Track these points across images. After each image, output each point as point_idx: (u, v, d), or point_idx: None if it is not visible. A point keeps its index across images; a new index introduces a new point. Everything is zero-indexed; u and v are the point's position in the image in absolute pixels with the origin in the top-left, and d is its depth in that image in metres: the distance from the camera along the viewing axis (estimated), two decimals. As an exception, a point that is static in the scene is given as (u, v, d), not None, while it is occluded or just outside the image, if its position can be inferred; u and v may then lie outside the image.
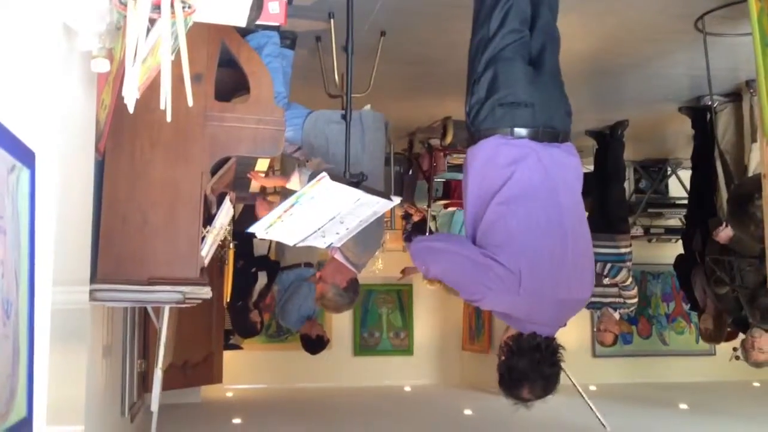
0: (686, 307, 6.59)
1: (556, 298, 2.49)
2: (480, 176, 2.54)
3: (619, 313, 5.86)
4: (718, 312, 5.11)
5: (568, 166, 2.57)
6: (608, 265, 5.67)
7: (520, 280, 2.41)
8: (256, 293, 5.71)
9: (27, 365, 1.39)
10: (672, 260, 5.81)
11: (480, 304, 2.68)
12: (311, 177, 2.63)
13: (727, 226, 4.36)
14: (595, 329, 6.47)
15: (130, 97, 1.61)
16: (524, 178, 2.45)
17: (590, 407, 5.10)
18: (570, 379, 4.50)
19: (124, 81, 1.60)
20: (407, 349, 8.33)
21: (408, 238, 6.20)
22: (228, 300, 5.25)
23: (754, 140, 4.59)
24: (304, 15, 3.65)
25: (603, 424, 4.96)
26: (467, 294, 2.62)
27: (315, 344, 5.55)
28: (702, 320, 5.31)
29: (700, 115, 5.26)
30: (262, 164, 3.40)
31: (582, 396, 5.07)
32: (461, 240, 2.68)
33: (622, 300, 5.75)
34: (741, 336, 4.97)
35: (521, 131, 2.49)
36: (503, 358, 2.51)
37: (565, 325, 2.59)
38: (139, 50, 1.57)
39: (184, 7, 1.59)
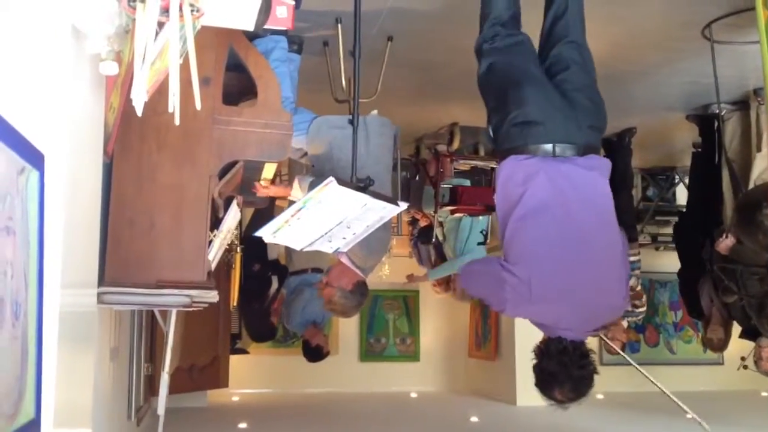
0: (694, 319, 6.54)
1: (576, 304, 2.61)
2: (502, 195, 2.69)
3: (627, 321, 5.83)
4: (725, 320, 5.09)
5: (584, 180, 2.64)
6: (617, 273, 5.66)
7: (530, 288, 2.54)
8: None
9: (35, 367, 1.39)
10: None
11: (506, 313, 2.95)
12: (312, 184, 2.64)
13: (728, 236, 4.34)
14: (602, 337, 6.45)
15: (139, 100, 1.62)
16: (535, 195, 2.57)
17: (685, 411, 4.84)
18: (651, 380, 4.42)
19: (133, 84, 1.61)
20: (413, 356, 8.32)
21: (415, 243, 6.20)
22: (235, 304, 5.25)
23: (759, 149, 4.58)
24: (311, 20, 3.67)
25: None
26: (493, 305, 2.87)
27: (313, 353, 5.61)
28: (710, 330, 5.27)
29: (707, 123, 5.25)
30: (269, 169, 3.40)
31: (675, 401, 4.80)
32: (489, 259, 2.95)
33: (630, 308, 5.73)
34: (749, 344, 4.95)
35: (534, 148, 2.60)
36: (535, 360, 2.68)
37: (597, 330, 2.70)
38: (148, 53, 1.58)
39: (192, 11, 1.60)
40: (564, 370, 2.62)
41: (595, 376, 2.71)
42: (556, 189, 2.59)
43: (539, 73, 2.74)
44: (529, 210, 2.57)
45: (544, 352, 2.66)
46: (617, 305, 2.80)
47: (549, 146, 2.60)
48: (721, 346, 5.27)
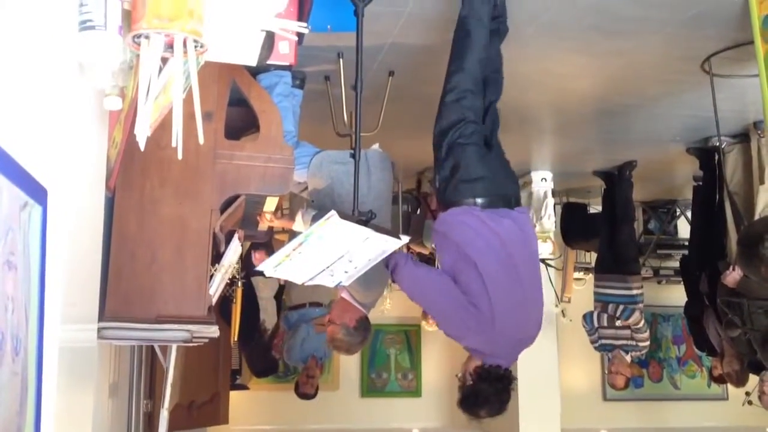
0: (702, 353, 6.49)
1: (516, 337, 3.03)
2: (446, 238, 3.01)
3: (631, 356, 5.79)
4: (739, 352, 5.03)
5: (519, 226, 3.01)
6: (621, 307, 5.63)
7: (494, 323, 2.90)
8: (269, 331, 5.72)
9: (35, 403, 1.38)
10: (683, 302, 5.75)
11: (460, 341, 3.12)
12: (315, 217, 2.64)
13: (735, 269, 4.33)
14: (606, 372, 6.40)
15: (142, 134, 1.62)
16: (482, 240, 2.93)
17: None
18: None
19: (137, 118, 1.62)
20: (415, 391, 8.23)
21: None
22: (236, 339, 5.23)
23: (762, 182, 4.58)
24: (313, 55, 3.69)
25: None
26: (453, 331, 3.10)
27: (297, 386, 5.73)
28: (726, 363, 5.19)
29: (708, 155, 5.26)
30: (270, 203, 3.40)
31: None
32: (449, 284, 3.01)
33: (634, 342, 5.69)
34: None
35: (479, 200, 2.95)
36: (471, 383, 3.01)
37: (516, 359, 3.11)
38: (152, 89, 1.59)
39: (196, 47, 1.61)
40: (496, 395, 2.99)
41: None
42: (498, 235, 2.93)
43: (482, 138, 3.09)
44: (478, 254, 2.91)
45: (483, 377, 2.98)
46: (536, 336, 3.12)
47: (491, 198, 2.97)
48: (739, 378, 5.19)
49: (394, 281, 3.15)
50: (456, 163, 2.98)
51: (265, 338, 5.61)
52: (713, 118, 4.17)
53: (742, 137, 4.91)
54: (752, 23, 3.11)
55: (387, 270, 3.07)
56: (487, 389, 2.98)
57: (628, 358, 5.70)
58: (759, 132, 4.69)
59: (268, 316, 5.66)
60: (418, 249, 6.20)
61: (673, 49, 3.75)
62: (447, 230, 3.00)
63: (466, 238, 2.93)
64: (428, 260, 5.95)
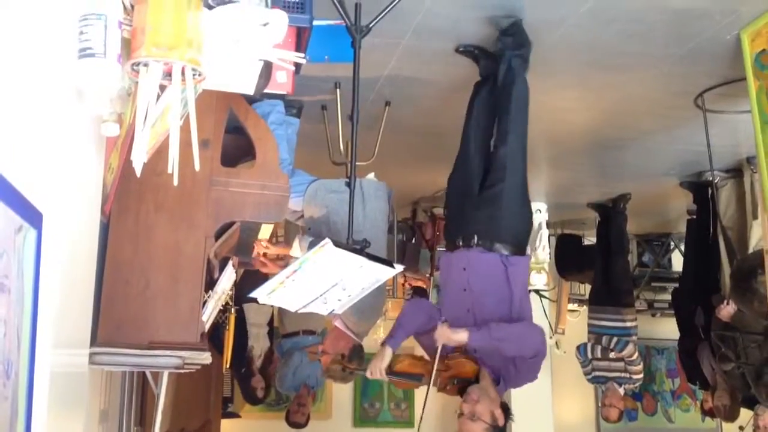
0: (695, 386, 6.46)
1: None
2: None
3: (624, 389, 5.77)
4: (732, 387, 5.02)
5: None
6: (614, 339, 5.62)
7: None
8: (260, 358, 5.68)
9: (24, 429, 1.37)
10: (677, 335, 5.75)
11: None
12: (311, 244, 2.64)
13: (729, 303, 4.34)
14: (599, 404, 6.36)
15: (139, 160, 1.64)
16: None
17: None
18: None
19: (134, 145, 1.63)
20: (408, 421, 8.16)
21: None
22: (228, 366, 5.21)
23: (755, 217, 4.61)
24: (311, 84, 3.72)
25: None
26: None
27: (288, 415, 5.72)
28: (717, 397, 5.18)
29: (701, 190, 5.29)
30: (265, 230, 3.41)
31: None
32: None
33: (627, 375, 5.67)
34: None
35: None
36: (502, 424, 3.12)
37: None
38: (149, 115, 1.60)
39: (194, 75, 1.63)
40: None
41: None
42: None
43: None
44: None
45: (508, 413, 3.15)
46: None
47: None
48: (729, 413, 5.17)
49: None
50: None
51: (252, 367, 5.57)
52: (706, 153, 4.21)
53: (736, 172, 4.95)
54: (744, 60, 3.16)
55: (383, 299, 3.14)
56: None
57: (621, 390, 5.68)
58: (752, 167, 4.72)
59: (257, 343, 5.63)
60: (413, 278, 6.20)
61: (667, 85, 3.79)
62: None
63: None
64: (423, 291, 5.95)
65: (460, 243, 3.22)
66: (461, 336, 3.02)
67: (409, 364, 3.31)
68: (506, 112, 3.22)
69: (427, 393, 3.18)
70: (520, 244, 3.27)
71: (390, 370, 3.25)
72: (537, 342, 3.10)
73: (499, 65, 3.23)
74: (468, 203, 3.29)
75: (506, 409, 3.12)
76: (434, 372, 3.13)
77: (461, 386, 3.17)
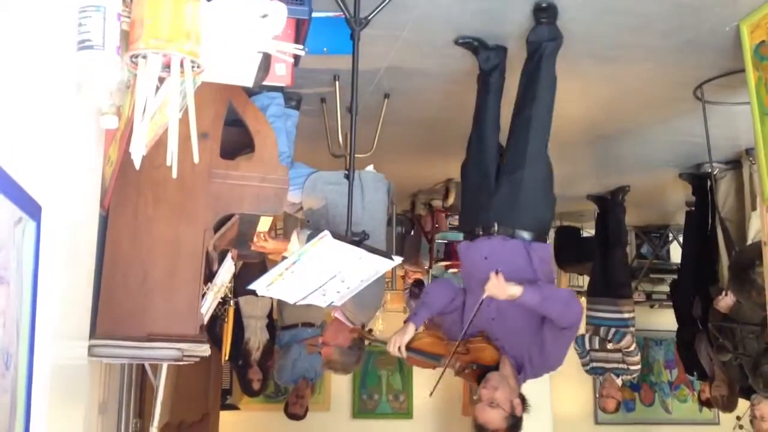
0: (692, 377, 6.48)
1: None
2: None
3: (622, 380, 5.79)
4: (729, 378, 5.04)
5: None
6: (612, 330, 5.63)
7: None
8: (258, 351, 5.68)
9: (24, 420, 1.37)
10: (675, 326, 5.76)
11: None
12: (310, 237, 2.64)
13: (727, 294, 4.34)
14: (597, 395, 6.39)
15: (137, 153, 1.63)
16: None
17: None
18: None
19: (132, 137, 1.63)
20: (406, 413, 8.19)
21: (411, 293, 6.18)
22: (227, 358, 5.22)
23: (754, 208, 4.61)
24: (310, 77, 3.72)
25: None
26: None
27: (287, 406, 5.80)
28: (714, 387, 5.21)
29: (700, 181, 5.30)
30: (264, 223, 3.41)
31: None
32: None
33: (625, 366, 5.69)
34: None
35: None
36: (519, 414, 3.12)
37: None
38: (148, 108, 1.60)
39: (193, 67, 1.63)
40: None
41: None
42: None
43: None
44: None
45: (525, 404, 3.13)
46: None
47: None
48: (726, 404, 5.19)
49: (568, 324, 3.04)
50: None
51: (250, 359, 5.58)
52: (705, 145, 4.21)
53: (734, 164, 4.95)
54: (743, 51, 3.15)
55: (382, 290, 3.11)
56: None
57: (618, 381, 5.70)
58: (750, 159, 4.72)
59: (255, 336, 5.64)
60: (412, 270, 6.21)
61: (666, 76, 3.78)
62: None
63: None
64: (422, 283, 5.96)
65: (480, 232, 3.18)
66: (515, 290, 2.90)
67: (429, 342, 3.23)
68: (532, 99, 3.20)
69: (442, 373, 3.13)
70: (542, 231, 3.23)
71: (408, 346, 3.18)
72: (577, 312, 3.01)
73: (532, 49, 3.21)
74: (485, 191, 3.24)
75: (524, 400, 3.06)
76: (452, 354, 3.07)
77: (480, 372, 3.11)
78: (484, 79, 3.44)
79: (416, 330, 3.20)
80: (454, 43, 3.40)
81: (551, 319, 3.00)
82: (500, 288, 2.90)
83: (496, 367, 3.10)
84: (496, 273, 2.91)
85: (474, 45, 3.39)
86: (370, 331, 3.52)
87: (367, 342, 3.51)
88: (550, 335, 3.04)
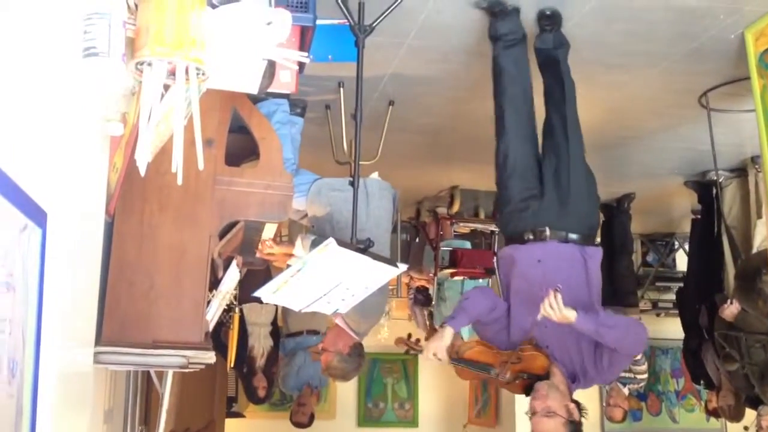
0: (699, 386, 6.45)
1: None
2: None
3: (629, 389, 5.75)
4: (736, 388, 5.01)
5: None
6: (618, 339, 5.61)
7: None
8: (262, 358, 5.68)
9: (29, 428, 1.37)
10: (681, 335, 5.73)
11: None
12: (314, 243, 2.64)
13: (733, 302, 4.33)
14: (604, 404, 6.35)
15: (143, 160, 1.64)
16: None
17: None
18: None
19: (138, 144, 1.64)
20: (412, 421, 8.18)
21: (415, 300, 6.17)
22: (232, 365, 5.22)
23: (759, 216, 4.60)
24: (314, 84, 3.73)
25: None
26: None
27: (293, 414, 5.75)
28: (721, 397, 5.17)
29: (706, 189, 5.28)
30: (269, 229, 3.41)
31: None
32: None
33: (632, 375, 5.65)
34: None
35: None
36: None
37: None
38: (153, 115, 1.61)
39: (198, 74, 1.63)
40: None
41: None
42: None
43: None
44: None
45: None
46: None
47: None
48: (733, 414, 5.15)
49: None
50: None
51: (254, 366, 5.58)
52: (711, 152, 4.20)
53: (740, 171, 4.94)
54: (748, 59, 3.15)
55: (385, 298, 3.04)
56: None
57: (625, 390, 5.67)
58: (756, 166, 4.71)
59: (258, 342, 5.64)
60: (417, 277, 6.20)
61: (671, 84, 3.78)
62: None
63: None
64: (425, 290, 5.95)
65: (530, 237, 3.10)
66: (569, 313, 2.80)
67: (478, 351, 3.11)
68: (561, 101, 3.18)
69: (497, 386, 3.04)
70: (592, 234, 3.21)
71: (457, 356, 3.07)
72: (640, 340, 2.98)
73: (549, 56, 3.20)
74: (529, 194, 3.17)
75: (578, 404, 2.99)
76: (506, 363, 2.96)
77: (528, 383, 3.02)
78: (500, 61, 3.22)
79: (454, 333, 3.04)
80: (473, 5, 3.10)
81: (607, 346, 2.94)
82: (557, 310, 2.79)
83: (545, 376, 3.01)
84: (555, 292, 2.80)
85: (494, 11, 3.10)
86: (417, 341, 3.47)
87: (412, 352, 3.44)
88: (607, 352, 2.97)
